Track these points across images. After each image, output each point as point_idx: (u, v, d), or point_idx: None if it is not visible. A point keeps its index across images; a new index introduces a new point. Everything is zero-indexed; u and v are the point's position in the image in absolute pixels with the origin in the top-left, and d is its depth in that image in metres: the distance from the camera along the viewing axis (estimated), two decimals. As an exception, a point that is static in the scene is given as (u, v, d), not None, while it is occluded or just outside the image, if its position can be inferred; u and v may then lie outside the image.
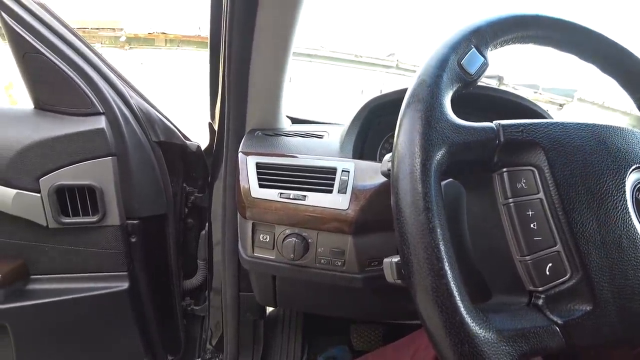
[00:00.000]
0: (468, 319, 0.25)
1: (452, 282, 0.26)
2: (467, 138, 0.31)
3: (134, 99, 0.76)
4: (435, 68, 0.32)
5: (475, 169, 0.35)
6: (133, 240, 0.75)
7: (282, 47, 0.57)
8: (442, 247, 0.26)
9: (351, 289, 0.56)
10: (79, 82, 0.65)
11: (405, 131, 0.30)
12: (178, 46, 5.10)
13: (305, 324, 1.02)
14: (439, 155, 0.29)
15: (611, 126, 0.35)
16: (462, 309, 0.25)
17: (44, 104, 0.67)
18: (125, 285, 0.73)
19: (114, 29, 4.67)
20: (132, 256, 0.75)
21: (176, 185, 0.88)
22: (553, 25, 0.39)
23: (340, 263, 0.53)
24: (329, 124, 0.80)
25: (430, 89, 0.31)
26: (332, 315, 0.97)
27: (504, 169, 0.33)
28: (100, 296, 0.71)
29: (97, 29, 4.62)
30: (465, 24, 0.36)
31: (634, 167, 0.33)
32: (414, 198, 0.27)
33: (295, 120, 0.84)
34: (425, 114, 0.30)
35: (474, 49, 0.34)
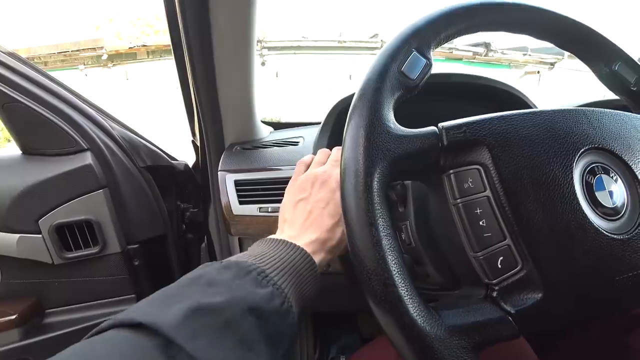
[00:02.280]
0: (418, 320, 0.27)
1: (399, 289, 0.28)
2: (409, 147, 0.31)
3: (116, 130, 0.79)
4: (374, 81, 0.33)
5: (425, 172, 0.35)
6: (136, 263, 0.78)
7: (243, 59, 0.58)
8: (388, 258, 0.28)
9: (342, 285, 0.59)
10: (59, 123, 0.68)
11: (348, 148, 0.31)
12: (161, 56, 5.07)
13: (314, 317, 1.06)
14: (379, 170, 0.30)
15: (560, 110, 0.35)
16: (410, 312, 0.27)
17: (30, 149, 0.70)
18: (135, 307, 0.77)
19: (94, 48, 4.66)
20: (137, 278, 0.79)
21: (170, 204, 0.91)
22: (498, 10, 0.38)
23: (325, 265, 0.56)
24: (310, 124, 0.82)
25: (369, 103, 0.32)
26: (333, 310, 1.00)
27: (451, 171, 0.33)
28: (113, 320, 0.75)
29: (78, 50, 4.61)
30: (405, 27, 0.36)
31: (582, 149, 0.33)
32: (358, 215, 0.29)
33: (276, 126, 0.86)
34: (365, 130, 0.30)
35: (414, 52, 0.34)
